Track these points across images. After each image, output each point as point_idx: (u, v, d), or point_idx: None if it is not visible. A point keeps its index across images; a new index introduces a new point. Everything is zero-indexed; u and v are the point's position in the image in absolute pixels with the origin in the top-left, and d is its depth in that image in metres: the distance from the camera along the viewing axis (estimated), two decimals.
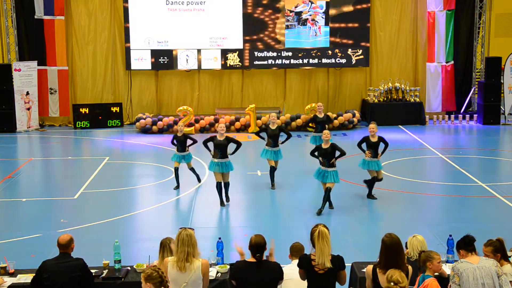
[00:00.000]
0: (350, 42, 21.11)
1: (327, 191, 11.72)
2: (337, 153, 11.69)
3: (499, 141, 18.68)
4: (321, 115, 14.39)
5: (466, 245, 6.37)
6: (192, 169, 13.55)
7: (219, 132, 12.08)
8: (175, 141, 13.32)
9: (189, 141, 13.24)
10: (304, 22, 21.08)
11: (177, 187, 13.43)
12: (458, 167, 15.06)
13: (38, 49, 20.75)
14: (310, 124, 14.50)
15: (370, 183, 12.50)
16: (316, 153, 11.87)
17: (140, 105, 21.44)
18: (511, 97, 20.82)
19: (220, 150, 11.98)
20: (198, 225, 11.19)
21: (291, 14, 21.02)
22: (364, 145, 12.40)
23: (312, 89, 21.73)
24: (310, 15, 21.06)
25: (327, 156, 11.58)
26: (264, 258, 6.29)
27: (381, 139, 12.21)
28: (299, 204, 12.57)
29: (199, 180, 13.76)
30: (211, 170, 12.24)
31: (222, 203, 12.28)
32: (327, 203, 11.92)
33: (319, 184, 13.60)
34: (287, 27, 21.07)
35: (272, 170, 13.38)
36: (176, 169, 13.35)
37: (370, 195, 12.61)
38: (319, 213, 11.68)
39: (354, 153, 17.10)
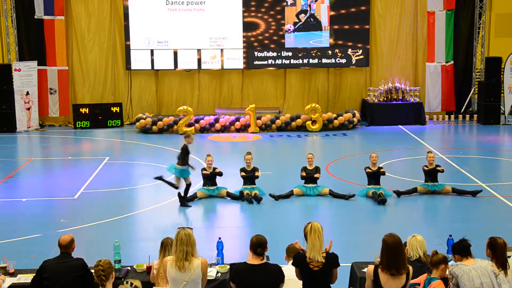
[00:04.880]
0: (350, 42, 21.11)
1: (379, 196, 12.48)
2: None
3: (499, 141, 18.67)
4: (311, 167, 13.01)
5: (461, 251, 6.34)
6: None
7: (207, 166, 12.80)
8: None
9: None
10: (305, 23, 21.06)
11: None
12: (458, 167, 15.06)
13: (38, 49, 20.74)
14: (303, 174, 13.06)
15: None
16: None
17: (140, 105, 21.43)
18: (511, 97, 20.81)
19: (210, 180, 12.81)
20: (198, 225, 11.21)
21: (292, 14, 21.00)
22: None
23: (312, 89, 21.72)
24: (311, 15, 21.04)
25: (375, 177, 12.62)
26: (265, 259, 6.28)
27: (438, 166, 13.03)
28: (299, 204, 12.57)
29: None
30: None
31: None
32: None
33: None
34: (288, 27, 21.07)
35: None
36: None
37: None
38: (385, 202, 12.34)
39: (354, 153, 17.13)
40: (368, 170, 12.70)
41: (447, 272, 6.22)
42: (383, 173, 12.71)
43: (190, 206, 12.31)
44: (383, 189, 12.60)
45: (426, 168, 12.92)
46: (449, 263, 7.32)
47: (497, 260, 6.38)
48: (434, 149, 16.80)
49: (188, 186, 12.34)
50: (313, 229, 6.15)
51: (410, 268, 6.11)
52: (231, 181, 13.24)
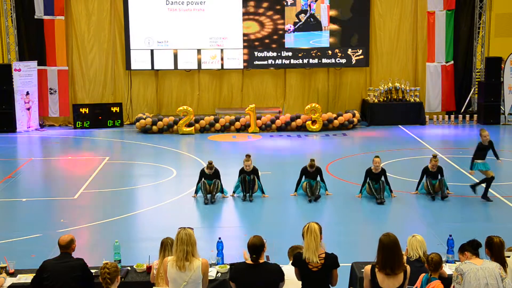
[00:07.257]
0: (350, 42, 21.12)
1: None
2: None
3: (499, 141, 18.65)
4: (312, 169, 13.03)
5: (473, 248, 6.42)
6: None
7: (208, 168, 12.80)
8: None
9: None
10: (305, 23, 21.06)
11: None
12: (458, 167, 15.06)
13: (38, 49, 20.74)
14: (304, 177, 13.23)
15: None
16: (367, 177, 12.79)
17: (140, 105, 21.44)
18: (511, 97, 20.82)
19: (209, 179, 12.77)
20: (198, 225, 11.21)
21: (292, 14, 21.00)
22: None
23: (312, 89, 21.73)
24: (311, 15, 21.05)
25: (377, 179, 12.66)
26: (265, 259, 6.27)
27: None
28: (299, 204, 12.58)
29: None
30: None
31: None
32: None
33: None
34: (288, 27, 21.07)
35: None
36: None
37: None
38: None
39: (354, 153, 17.14)
40: (370, 172, 12.75)
41: (454, 270, 6.24)
42: (385, 175, 12.74)
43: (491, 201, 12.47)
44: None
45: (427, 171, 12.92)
46: (448, 263, 7.36)
47: (495, 259, 6.41)
48: (434, 149, 16.82)
49: (492, 179, 12.46)
50: (310, 230, 6.14)
51: (408, 267, 6.10)
52: (231, 181, 13.23)
